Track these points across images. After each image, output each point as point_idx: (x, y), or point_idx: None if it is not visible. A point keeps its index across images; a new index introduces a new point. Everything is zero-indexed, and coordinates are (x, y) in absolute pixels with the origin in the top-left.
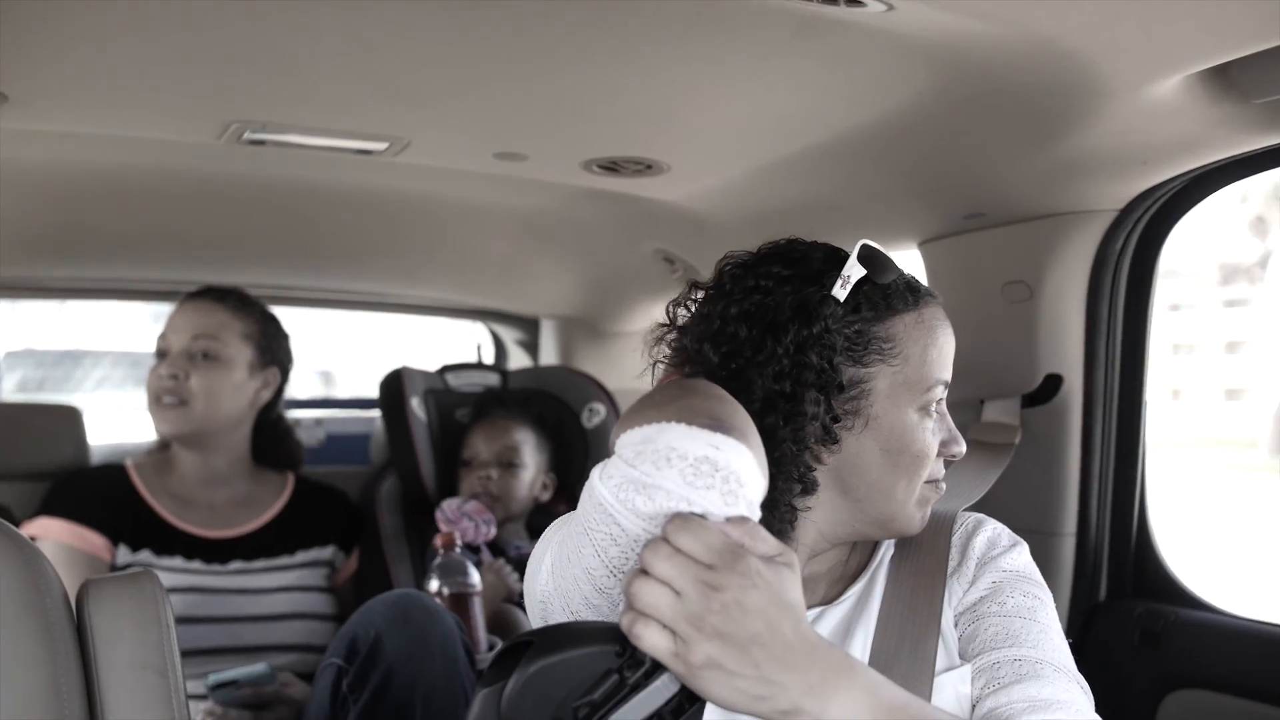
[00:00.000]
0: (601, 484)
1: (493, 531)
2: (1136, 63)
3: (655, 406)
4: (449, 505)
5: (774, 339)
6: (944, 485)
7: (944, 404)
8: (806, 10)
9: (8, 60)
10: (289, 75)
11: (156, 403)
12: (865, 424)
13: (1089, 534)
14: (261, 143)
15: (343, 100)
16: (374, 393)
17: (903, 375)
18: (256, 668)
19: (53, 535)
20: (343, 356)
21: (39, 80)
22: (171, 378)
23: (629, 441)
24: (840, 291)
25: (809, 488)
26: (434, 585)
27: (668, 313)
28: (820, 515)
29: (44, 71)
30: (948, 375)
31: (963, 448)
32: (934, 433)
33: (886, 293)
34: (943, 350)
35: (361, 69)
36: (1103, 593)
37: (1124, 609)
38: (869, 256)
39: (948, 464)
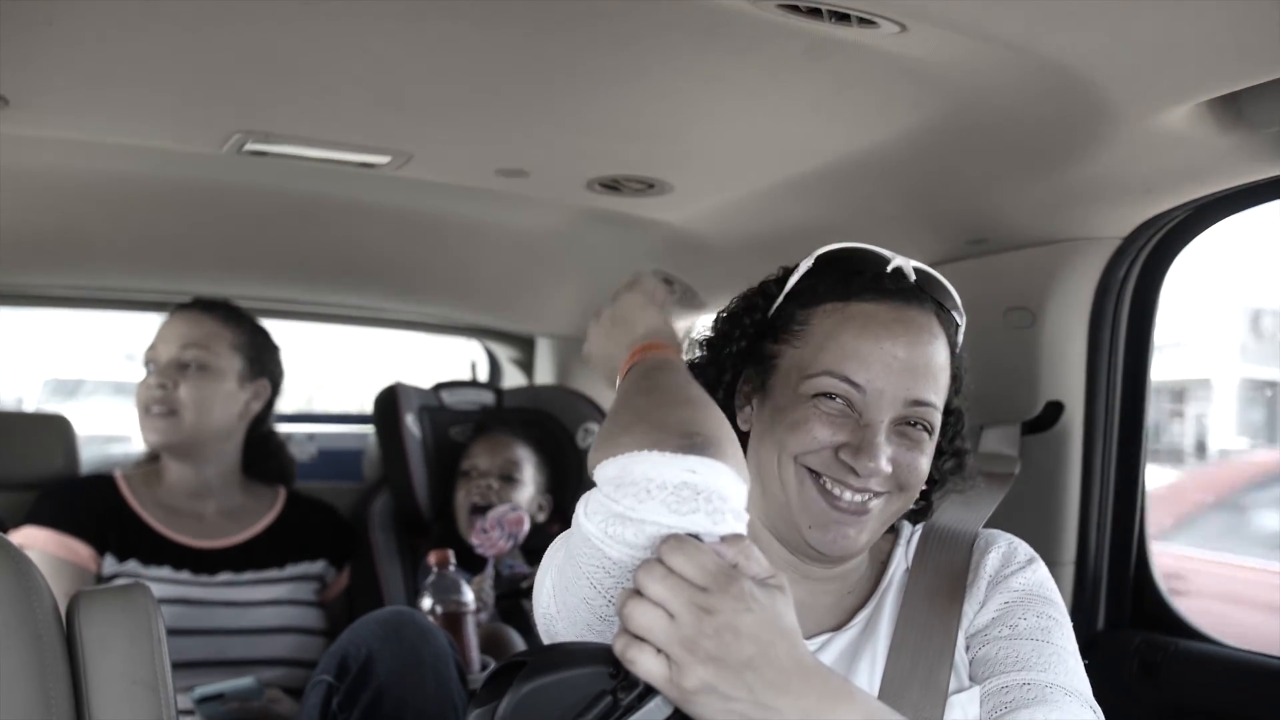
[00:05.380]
0: (587, 520)
1: (507, 546)
2: (1147, 90)
3: (625, 428)
4: (495, 512)
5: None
6: (845, 497)
7: (873, 412)
8: (818, 30)
9: (9, 64)
10: (294, 86)
11: (146, 412)
12: (765, 396)
13: (1088, 563)
14: (263, 154)
15: (347, 113)
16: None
17: (800, 356)
18: (243, 682)
19: (38, 545)
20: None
21: (40, 85)
22: (160, 387)
23: (606, 475)
24: (790, 281)
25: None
26: (427, 604)
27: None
28: (755, 507)
29: (46, 76)
30: (860, 374)
31: (872, 465)
32: (824, 422)
33: (820, 283)
34: (854, 345)
35: (367, 82)
36: (1101, 622)
37: (1123, 639)
38: (825, 254)
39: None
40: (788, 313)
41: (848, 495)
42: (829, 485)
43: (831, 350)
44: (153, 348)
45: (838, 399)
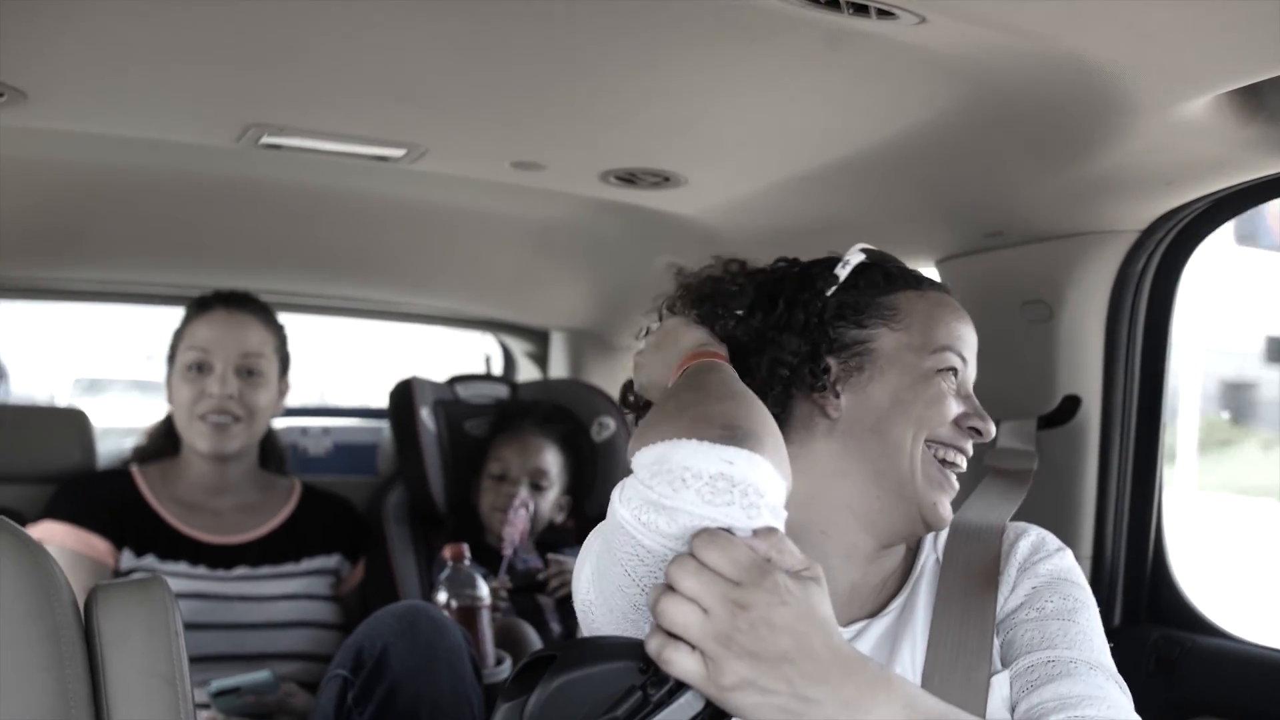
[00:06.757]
0: (622, 506)
1: (517, 534)
2: (1167, 81)
3: (668, 418)
4: (523, 496)
5: (771, 302)
6: (960, 464)
7: (968, 385)
8: (836, 22)
9: (28, 57)
10: (309, 79)
11: (202, 419)
12: (871, 378)
13: (1104, 558)
14: (278, 147)
15: (362, 105)
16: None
17: (906, 337)
18: (259, 675)
19: (56, 539)
20: None
21: (58, 78)
22: (229, 396)
23: (643, 461)
24: (841, 270)
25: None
26: (442, 597)
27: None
28: (848, 490)
29: (63, 70)
30: (965, 351)
31: (990, 427)
32: (951, 395)
33: (889, 273)
34: (951, 326)
35: (382, 74)
36: (1118, 618)
37: (1139, 635)
38: (869, 250)
39: (971, 448)
40: (863, 300)
41: (960, 460)
42: (948, 455)
43: (940, 330)
44: (203, 350)
45: (954, 372)
